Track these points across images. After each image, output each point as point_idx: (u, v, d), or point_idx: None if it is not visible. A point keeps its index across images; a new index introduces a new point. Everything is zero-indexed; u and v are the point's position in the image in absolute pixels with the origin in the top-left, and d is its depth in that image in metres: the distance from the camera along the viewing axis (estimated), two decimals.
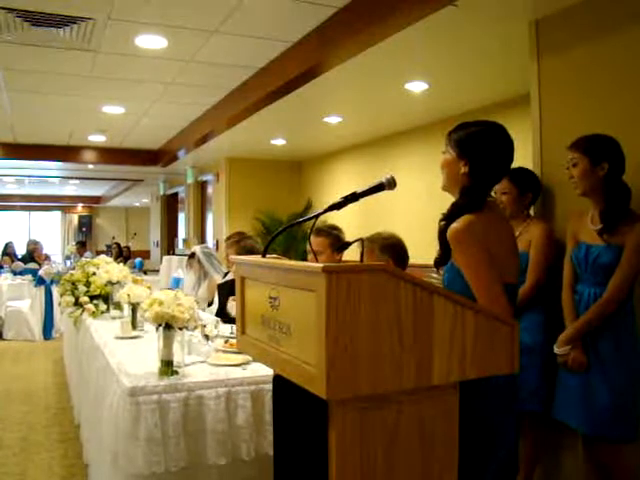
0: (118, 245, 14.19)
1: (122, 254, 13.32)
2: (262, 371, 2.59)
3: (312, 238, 3.42)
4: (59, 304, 5.25)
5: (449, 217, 2.09)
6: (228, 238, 4.98)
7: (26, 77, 5.75)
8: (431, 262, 2.26)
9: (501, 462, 2.08)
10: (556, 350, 2.91)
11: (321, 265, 1.50)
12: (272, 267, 1.86)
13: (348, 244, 2.44)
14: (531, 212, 3.43)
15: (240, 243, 4.61)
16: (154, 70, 5.52)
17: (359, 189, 2.08)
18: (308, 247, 3.52)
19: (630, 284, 2.75)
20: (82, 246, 13.46)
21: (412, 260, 3.18)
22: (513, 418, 2.13)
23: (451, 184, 2.17)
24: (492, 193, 2.28)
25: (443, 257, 2.14)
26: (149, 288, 3.96)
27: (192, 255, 5.74)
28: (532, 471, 3.35)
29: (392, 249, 3.03)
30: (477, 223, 2.00)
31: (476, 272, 1.98)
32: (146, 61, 5.21)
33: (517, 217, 3.30)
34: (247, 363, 2.77)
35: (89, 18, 4.19)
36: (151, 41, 4.69)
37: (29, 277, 9.47)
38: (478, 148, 2.09)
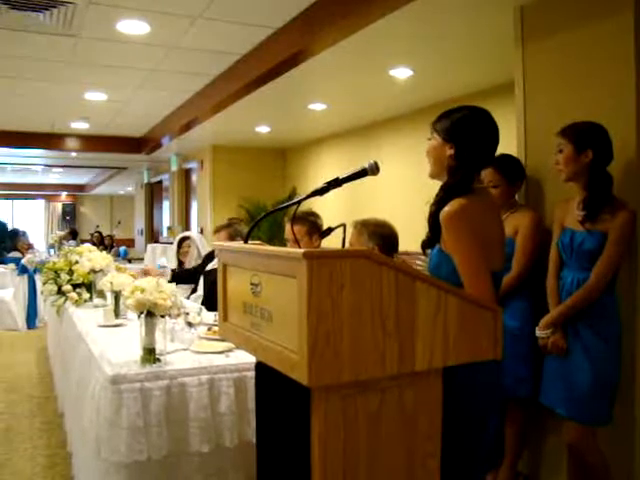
0: (100, 234, 14.06)
1: (103, 242, 13.20)
2: (245, 358, 2.58)
3: (288, 226, 3.38)
4: (42, 293, 5.21)
5: (440, 200, 2.08)
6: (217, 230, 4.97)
7: (5, 62, 5.67)
8: (415, 249, 2.25)
9: (488, 447, 2.08)
10: (537, 333, 2.95)
11: (302, 251, 1.49)
12: (253, 253, 1.84)
13: (331, 229, 2.43)
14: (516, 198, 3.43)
15: (229, 228, 4.59)
16: (137, 56, 5.46)
17: (342, 175, 2.07)
18: (286, 235, 3.49)
19: (613, 272, 2.77)
20: (72, 234, 13.30)
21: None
22: (498, 401, 2.14)
23: (438, 169, 2.16)
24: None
25: (431, 239, 2.14)
26: (133, 277, 3.93)
27: (182, 240, 5.67)
28: (519, 457, 3.37)
29: (381, 237, 3.00)
30: (470, 207, 1.99)
31: (465, 255, 1.97)
32: (128, 47, 5.15)
33: (505, 204, 3.29)
34: (230, 350, 2.76)
35: (70, 2, 4.12)
36: (133, 26, 4.64)
37: (12, 266, 9.38)
38: (463, 132, 2.08)
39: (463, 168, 2.07)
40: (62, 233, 10.52)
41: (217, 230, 4.84)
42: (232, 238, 4.42)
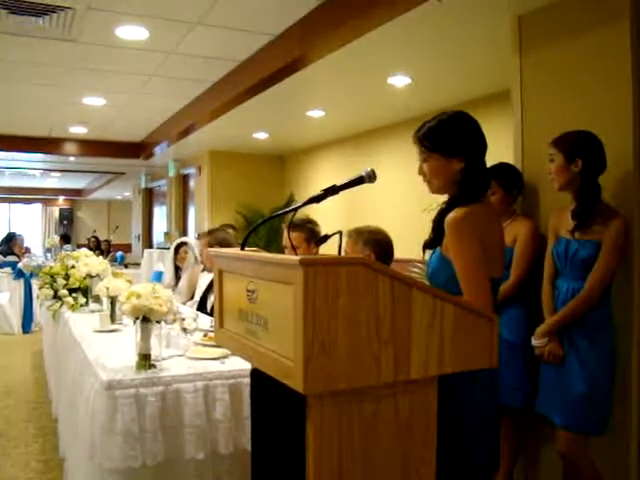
0: (96, 239, 14.02)
1: (100, 247, 13.16)
2: (241, 365, 2.57)
3: (286, 233, 3.38)
4: (38, 297, 5.20)
5: (449, 207, 2.09)
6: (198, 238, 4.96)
7: (4, 66, 5.67)
8: (412, 256, 2.26)
9: (485, 457, 2.08)
10: (533, 342, 2.95)
11: (298, 258, 1.49)
12: (249, 260, 1.84)
13: (327, 237, 2.43)
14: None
15: (210, 236, 4.57)
16: (135, 62, 5.47)
17: (339, 182, 2.07)
18: (284, 242, 3.49)
19: (608, 280, 2.78)
20: (64, 239, 13.27)
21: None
22: (494, 414, 2.13)
23: (446, 186, 2.15)
24: None
25: (434, 241, 2.15)
26: (129, 282, 3.92)
27: (180, 246, 5.65)
28: (513, 466, 3.36)
29: (376, 244, 3.01)
30: (475, 214, 2.01)
31: (466, 262, 1.98)
32: (127, 52, 5.16)
33: (503, 213, 3.30)
34: (226, 357, 2.75)
35: (69, 7, 4.13)
36: (132, 32, 4.65)
37: (8, 270, 9.36)
38: (471, 143, 2.11)
39: (474, 179, 2.09)
40: (54, 241, 10.55)
41: (198, 238, 4.87)
42: (211, 246, 4.32)
